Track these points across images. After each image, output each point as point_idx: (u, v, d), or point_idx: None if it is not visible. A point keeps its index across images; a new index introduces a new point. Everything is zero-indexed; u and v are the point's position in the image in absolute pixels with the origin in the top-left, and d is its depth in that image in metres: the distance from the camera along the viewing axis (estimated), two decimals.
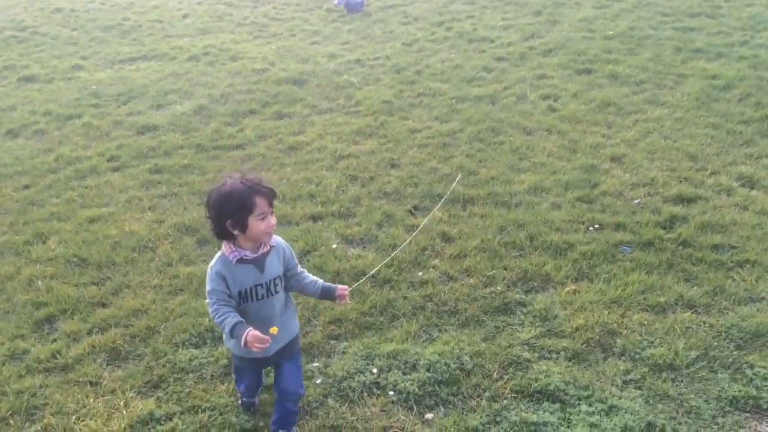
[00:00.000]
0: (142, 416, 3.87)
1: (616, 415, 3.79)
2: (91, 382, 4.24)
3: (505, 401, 3.98)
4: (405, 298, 5.09)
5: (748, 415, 3.80)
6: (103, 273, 5.63)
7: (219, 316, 3.10)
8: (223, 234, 3.15)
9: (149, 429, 3.80)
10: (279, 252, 3.34)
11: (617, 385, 4.06)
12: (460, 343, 4.48)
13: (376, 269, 3.80)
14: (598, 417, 3.78)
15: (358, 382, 4.22)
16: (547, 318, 4.77)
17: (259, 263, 3.23)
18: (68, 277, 5.60)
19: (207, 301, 3.19)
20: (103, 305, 5.16)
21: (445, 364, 4.28)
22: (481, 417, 3.88)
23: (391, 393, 4.11)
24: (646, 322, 4.64)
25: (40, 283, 5.50)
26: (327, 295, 3.52)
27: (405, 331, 4.68)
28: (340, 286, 3.54)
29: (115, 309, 5.05)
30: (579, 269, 5.37)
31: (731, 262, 5.32)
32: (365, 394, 4.14)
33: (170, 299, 5.16)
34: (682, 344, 4.34)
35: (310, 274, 3.54)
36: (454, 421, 3.85)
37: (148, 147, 8.42)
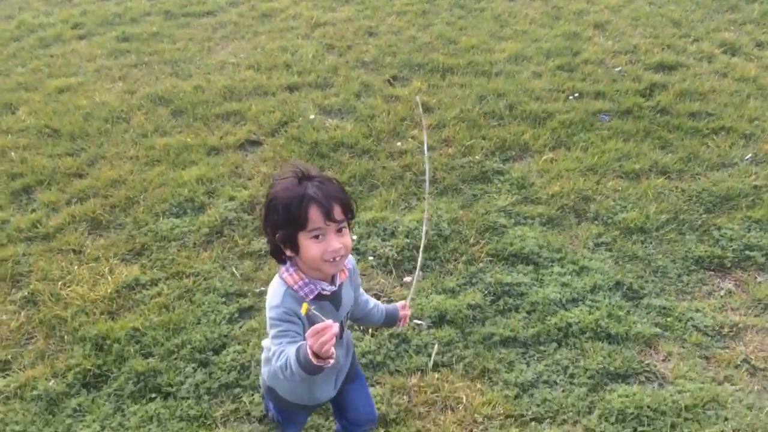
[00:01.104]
0: (127, 282, 3.95)
1: (587, 275, 3.95)
2: (74, 250, 4.29)
3: (481, 264, 4.11)
4: (384, 168, 5.11)
5: (711, 273, 3.99)
6: (77, 144, 5.53)
7: (279, 358, 2.02)
8: (276, 252, 2.20)
9: (135, 293, 3.89)
10: (351, 275, 2.40)
11: (589, 248, 4.20)
12: (438, 211, 4.56)
13: (412, 290, 2.69)
14: (569, 277, 3.94)
15: None
16: (523, 186, 4.84)
17: (336, 297, 2.28)
18: (42, 148, 5.50)
19: (272, 348, 2.11)
20: (80, 176, 5.12)
21: None
22: (457, 279, 4.01)
23: (371, 258, 4.21)
24: (620, 188, 4.74)
25: (13, 154, 5.40)
26: (390, 319, 2.67)
27: (384, 199, 4.74)
28: (399, 304, 2.69)
29: (93, 180, 5.01)
30: (557, 138, 5.39)
31: (707, 129, 5.37)
32: None
33: (148, 170, 5.12)
34: (654, 208, 4.47)
35: (370, 298, 2.66)
36: (432, 283, 3.99)
37: (113, 13, 8.03)
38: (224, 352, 3.51)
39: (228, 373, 3.37)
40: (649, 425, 2.91)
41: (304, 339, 1.93)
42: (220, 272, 4.07)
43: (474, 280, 4.00)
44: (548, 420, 3.04)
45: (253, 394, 3.26)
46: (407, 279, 4.08)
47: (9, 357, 3.50)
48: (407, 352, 3.52)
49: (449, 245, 4.28)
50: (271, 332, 2.13)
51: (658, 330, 3.53)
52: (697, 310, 3.64)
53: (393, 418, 3.06)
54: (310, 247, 2.06)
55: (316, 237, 2.05)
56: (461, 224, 4.45)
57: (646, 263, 4.06)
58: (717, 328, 3.51)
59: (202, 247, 4.31)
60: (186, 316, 3.71)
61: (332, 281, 2.22)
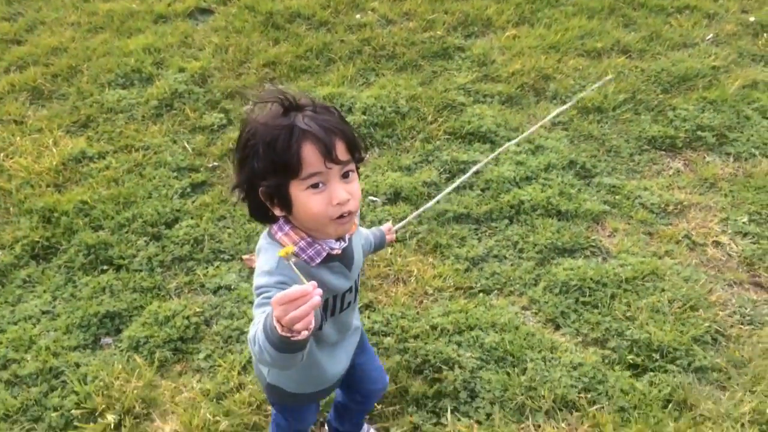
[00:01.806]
0: (73, 154, 3.83)
1: (542, 154, 3.97)
2: (15, 121, 4.11)
3: (438, 142, 4.09)
4: (342, 41, 4.93)
5: (663, 153, 4.05)
6: (14, 8, 5.18)
7: (254, 344, 1.42)
8: (258, 210, 1.64)
9: (82, 166, 3.79)
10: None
11: (545, 127, 4.19)
12: (396, 88, 4.46)
13: (421, 210, 2.66)
14: (525, 156, 3.95)
15: None
16: (484, 63, 4.75)
17: (347, 255, 1.72)
18: None
19: (250, 347, 1.46)
20: (18, 42, 4.82)
21: (381, 107, 4.29)
22: (413, 157, 4.00)
23: None
24: (580, 67, 4.68)
25: None
26: (379, 247, 2.26)
27: (341, 75, 4.60)
28: (385, 227, 2.28)
29: (32, 47, 4.73)
30: (521, 14, 5.24)
31: (672, 7, 5.28)
32: None
33: (91, 37, 4.85)
34: (612, 88, 4.44)
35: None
36: (388, 161, 3.97)
37: None
38: (177, 226, 3.48)
39: (181, 247, 3.36)
40: (590, 296, 3.04)
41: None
42: (170, 146, 3.97)
43: (430, 158, 3.99)
44: (496, 291, 3.14)
45: (207, 267, 3.27)
46: (373, 198, 4.03)
47: None
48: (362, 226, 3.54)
49: (407, 122, 4.23)
50: (255, 301, 1.54)
51: (606, 207, 3.61)
52: (645, 189, 3.72)
53: None
54: (308, 201, 1.51)
55: (315, 186, 1.50)
56: (419, 101, 4.37)
57: (601, 143, 4.09)
58: (662, 206, 3.61)
59: (152, 120, 4.17)
60: (136, 190, 3.65)
61: (340, 236, 1.65)
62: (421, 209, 2.71)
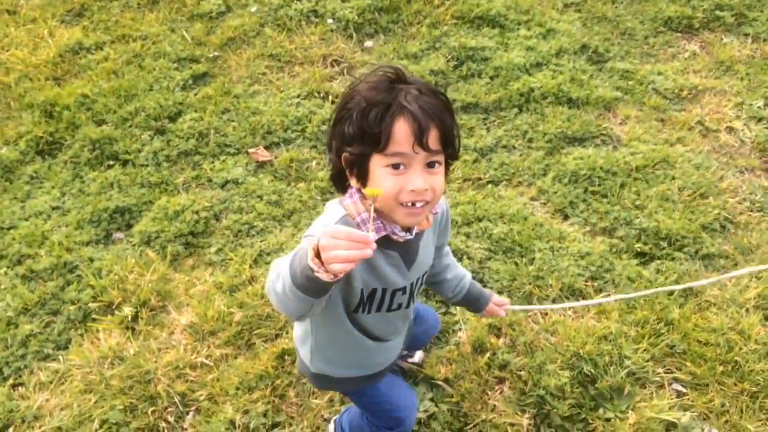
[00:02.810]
0: (70, 45, 3.71)
1: (553, 38, 3.83)
2: (8, 11, 3.96)
3: (445, 27, 3.94)
4: None
5: (679, 34, 3.89)
6: None
7: (275, 270, 1.33)
8: (338, 176, 1.53)
9: (80, 58, 3.68)
10: (438, 224, 1.72)
11: (557, 9, 4.02)
12: None
13: (556, 307, 2.39)
14: (535, 41, 3.81)
15: (295, 10, 4.06)
16: None
17: (409, 250, 1.59)
18: None
19: (268, 277, 1.35)
20: None
21: None
22: (420, 44, 3.86)
23: (330, 21, 3.99)
24: None
25: None
26: (471, 303, 2.00)
27: None
28: (496, 297, 2.02)
29: None
30: None
31: None
32: (303, 22, 4.02)
33: None
34: None
35: (457, 263, 1.98)
36: (394, 48, 3.84)
37: None
38: (180, 120, 3.43)
39: (186, 141, 3.32)
40: (599, 185, 3.02)
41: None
42: (169, 35, 3.84)
43: (437, 45, 3.85)
44: (504, 182, 3.12)
45: (213, 162, 3.25)
46: (368, 44, 3.91)
47: None
48: None
49: (413, 7, 4.06)
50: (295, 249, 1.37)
51: (618, 94, 3.51)
52: (659, 73, 3.61)
53: None
54: (384, 178, 1.39)
55: (395, 167, 1.38)
56: None
57: (615, 25, 3.93)
58: (676, 91, 3.51)
59: (148, 7, 4.00)
60: (137, 83, 3.56)
61: (408, 227, 1.53)
62: (549, 306, 2.38)
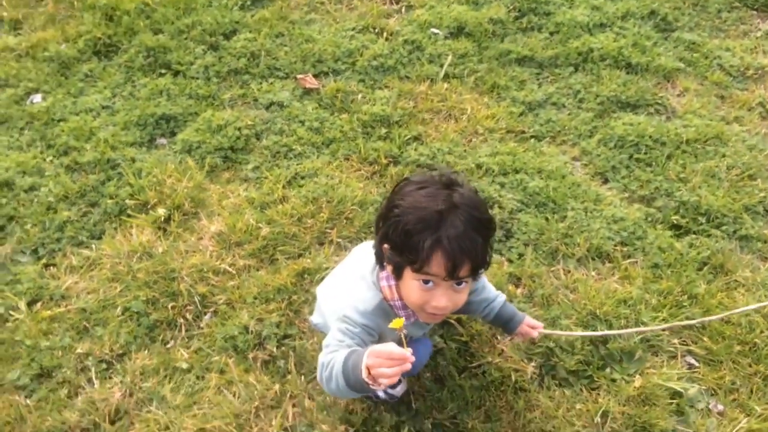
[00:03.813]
0: None
1: (621, 0, 3.70)
2: None
3: None
4: None
5: (754, 12, 3.72)
6: None
7: (326, 369, 1.54)
8: (380, 258, 1.67)
9: None
10: None
11: None
12: None
13: (590, 335, 2.25)
14: (603, 0, 3.70)
15: None
16: None
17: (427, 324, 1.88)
18: None
19: (320, 361, 1.58)
20: None
21: None
22: None
23: None
24: None
25: None
26: (502, 324, 2.05)
27: None
28: (529, 319, 2.05)
29: None
30: None
31: None
32: None
33: None
34: None
35: (488, 285, 2.03)
36: None
37: None
38: (234, 38, 3.46)
39: (237, 59, 3.36)
40: (645, 153, 2.94)
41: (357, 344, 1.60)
42: None
43: None
44: (548, 139, 3.07)
45: (261, 83, 3.28)
46: (434, 30, 3.83)
47: (20, 16, 3.48)
48: (420, 59, 3.45)
49: None
50: (333, 336, 1.64)
51: (681, 65, 3.39)
52: (727, 49, 3.47)
53: (396, 121, 3.10)
54: (413, 288, 1.57)
55: (425, 282, 1.54)
56: None
57: None
58: (742, 69, 3.38)
59: None
60: None
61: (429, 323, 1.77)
62: (584, 334, 2.23)
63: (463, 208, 1.49)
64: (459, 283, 1.56)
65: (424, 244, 1.47)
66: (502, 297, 2.03)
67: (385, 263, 1.63)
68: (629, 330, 2.26)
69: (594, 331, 2.28)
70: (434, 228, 1.47)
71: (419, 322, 1.78)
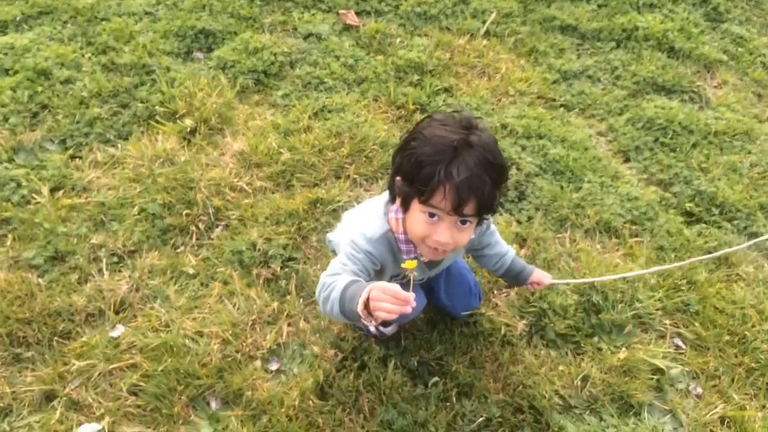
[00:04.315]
0: None
1: None
2: None
3: None
4: None
5: None
6: None
7: (326, 290, 1.59)
8: (392, 190, 1.71)
9: None
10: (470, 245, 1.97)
11: None
12: None
13: (602, 279, 2.32)
14: None
15: None
16: None
17: (432, 263, 1.89)
18: None
19: (321, 281, 1.62)
20: None
21: None
22: None
23: None
24: None
25: None
26: (511, 278, 2.09)
27: None
28: (538, 271, 2.08)
29: None
30: None
31: None
32: None
33: None
34: None
35: (500, 240, 2.06)
36: None
37: None
38: None
39: None
40: (672, 138, 2.94)
41: (360, 271, 1.66)
42: None
43: None
44: (577, 110, 3.07)
45: (303, 12, 3.29)
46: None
47: None
48: (463, 13, 3.44)
49: None
50: (339, 259, 1.69)
51: (724, 57, 3.36)
52: None
53: (430, 69, 3.11)
54: (417, 221, 1.60)
55: (431, 215, 1.57)
56: None
57: None
58: None
59: None
60: None
61: (430, 259, 1.77)
62: (593, 279, 2.30)
63: (477, 148, 1.51)
64: (463, 222, 1.58)
65: (434, 176, 1.49)
66: (512, 252, 2.08)
67: (396, 193, 1.65)
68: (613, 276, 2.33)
69: (589, 300, 2.33)
70: (447, 161, 1.49)
71: (421, 265, 1.83)
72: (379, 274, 1.78)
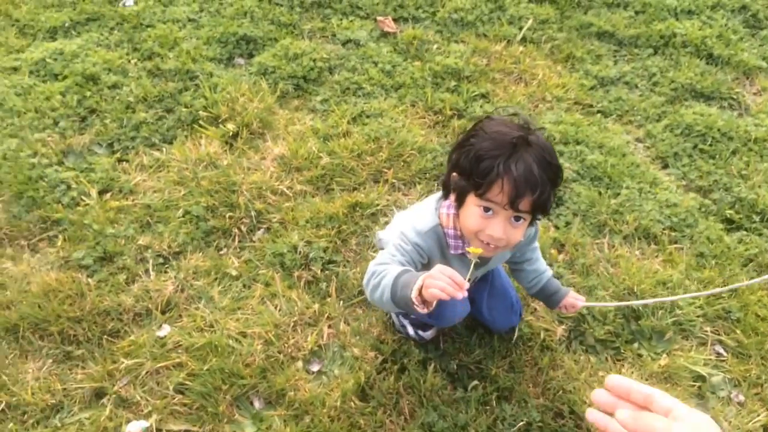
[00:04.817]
0: None
1: None
2: None
3: None
4: None
5: None
6: None
7: (376, 277, 1.63)
8: (446, 186, 1.74)
9: None
10: (519, 246, 1.95)
11: None
12: None
13: (637, 303, 2.29)
14: None
15: None
16: None
17: (481, 262, 1.87)
18: None
19: (370, 269, 1.68)
20: None
21: None
22: None
23: None
24: None
25: None
26: (545, 297, 2.09)
27: None
28: (572, 293, 2.07)
29: None
30: None
31: None
32: None
33: None
34: None
35: (540, 258, 2.09)
36: None
37: None
38: None
39: None
40: (711, 145, 2.93)
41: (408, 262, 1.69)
42: None
43: None
44: (615, 116, 3.07)
45: (341, 19, 3.34)
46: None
47: None
48: (500, 19, 3.46)
49: None
50: (388, 250, 1.74)
51: (763, 64, 3.33)
52: None
53: (467, 75, 3.13)
54: (471, 214, 1.62)
55: (486, 209, 1.59)
56: None
57: None
58: None
59: None
60: None
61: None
62: (624, 303, 2.23)
63: (536, 147, 1.54)
64: (517, 219, 1.60)
65: (492, 169, 1.52)
66: (549, 272, 2.09)
67: (451, 191, 1.69)
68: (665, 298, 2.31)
69: (629, 306, 2.33)
70: (506, 156, 1.52)
71: (467, 262, 1.77)
72: (425, 268, 1.78)
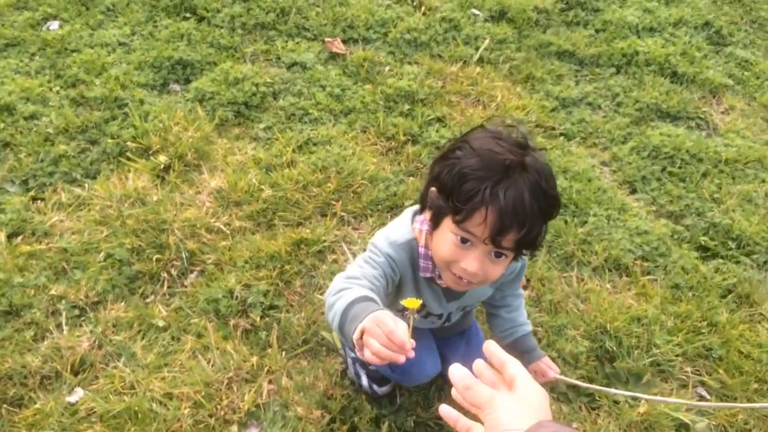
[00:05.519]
0: None
1: (676, 6, 3.52)
2: None
3: None
4: None
5: None
6: None
7: (335, 293, 1.35)
8: (423, 201, 1.48)
9: None
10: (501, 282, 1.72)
11: None
12: None
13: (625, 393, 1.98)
14: (656, 4, 3.52)
15: None
16: None
17: (452, 291, 1.60)
18: None
19: (333, 283, 1.40)
20: None
21: None
22: None
23: None
24: None
25: None
26: (516, 354, 1.58)
27: None
28: (547, 360, 1.83)
29: None
30: None
31: None
32: None
33: None
34: None
35: (522, 309, 1.86)
36: None
37: None
38: None
39: (266, 14, 3.20)
40: (680, 167, 2.76)
41: (378, 282, 1.43)
42: None
43: None
44: (578, 139, 2.90)
45: (287, 41, 3.12)
46: (475, 11, 3.65)
47: None
48: (455, 39, 3.28)
49: None
50: (357, 261, 1.50)
51: (729, 81, 3.20)
52: None
53: (421, 99, 2.93)
54: (446, 241, 1.37)
55: (463, 240, 1.34)
56: None
57: (747, 10, 3.58)
58: None
59: None
60: None
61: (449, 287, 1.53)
62: (605, 390, 1.92)
63: (532, 172, 1.28)
64: (498, 255, 1.35)
65: (476, 194, 1.27)
66: (529, 326, 1.85)
67: (427, 205, 1.43)
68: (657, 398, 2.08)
69: (602, 346, 2.12)
70: (494, 180, 1.26)
71: (438, 293, 1.58)
72: (398, 290, 1.55)
